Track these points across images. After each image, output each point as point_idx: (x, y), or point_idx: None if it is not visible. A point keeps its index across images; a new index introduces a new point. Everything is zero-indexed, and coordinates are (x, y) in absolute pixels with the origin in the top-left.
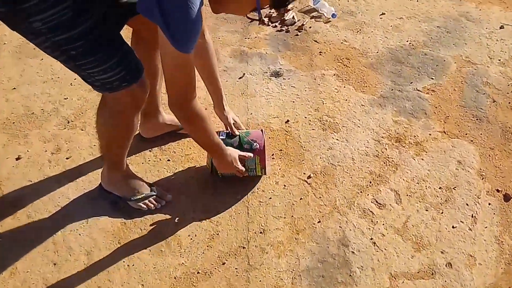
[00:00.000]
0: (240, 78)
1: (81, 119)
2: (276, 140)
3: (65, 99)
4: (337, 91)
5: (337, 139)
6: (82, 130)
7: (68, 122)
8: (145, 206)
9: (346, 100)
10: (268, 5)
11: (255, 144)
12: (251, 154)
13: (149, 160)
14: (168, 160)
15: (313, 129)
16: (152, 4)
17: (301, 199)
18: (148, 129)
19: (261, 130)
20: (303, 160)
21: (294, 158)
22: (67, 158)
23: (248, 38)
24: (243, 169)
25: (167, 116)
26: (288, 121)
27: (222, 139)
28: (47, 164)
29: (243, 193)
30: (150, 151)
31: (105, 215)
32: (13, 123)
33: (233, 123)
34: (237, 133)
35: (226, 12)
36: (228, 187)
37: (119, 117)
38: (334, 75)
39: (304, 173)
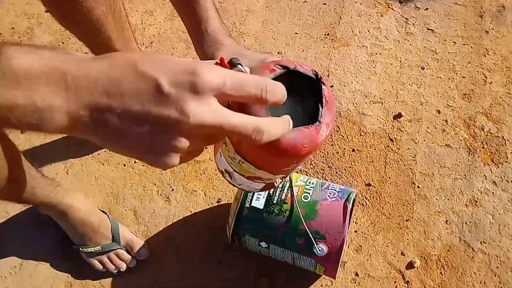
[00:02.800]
0: None
1: None
2: (367, 158)
3: None
4: None
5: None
6: None
7: None
8: (100, 266)
9: None
10: None
11: (320, 248)
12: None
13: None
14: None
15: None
16: None
17: None
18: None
19: (345, 204)
20: (405, 228)
21: (392, 213)
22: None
23: None
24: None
25: None
26: (400, 115)
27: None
28: None
29: None
30: None
31: (47, 261)
32: None
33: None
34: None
35: None
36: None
37: None
38: None
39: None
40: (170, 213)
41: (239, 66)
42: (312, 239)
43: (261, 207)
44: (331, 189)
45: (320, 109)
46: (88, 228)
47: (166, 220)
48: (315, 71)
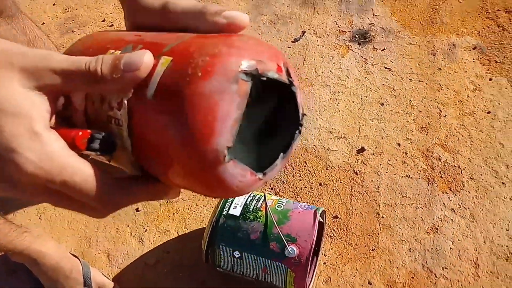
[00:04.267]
0: (296, 40)
1: None
2: (333, 191)
3: None
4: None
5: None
6: None
7: None
8: None
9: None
10: None
11: (291, 248)
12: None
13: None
14: (137, 210)
15: (408, 176)
16: None
17: None
18: None
19: (314, 212)
20: (373, 256)
21: (359, 243)
22: None
23: None
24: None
25: None
26: (363, 149)
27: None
28: None
29: None
30: None
31: None
32: None
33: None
34: (260, 204)
35: None
36: None
37: None
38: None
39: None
40: (143, 253)
41: (96, 151)
42: (284, 241)
43: (238, 214)
44: (301, 203)
45: (279, 160)
46: (60, 274)
47: (140, 261)
48: (304, 113)
